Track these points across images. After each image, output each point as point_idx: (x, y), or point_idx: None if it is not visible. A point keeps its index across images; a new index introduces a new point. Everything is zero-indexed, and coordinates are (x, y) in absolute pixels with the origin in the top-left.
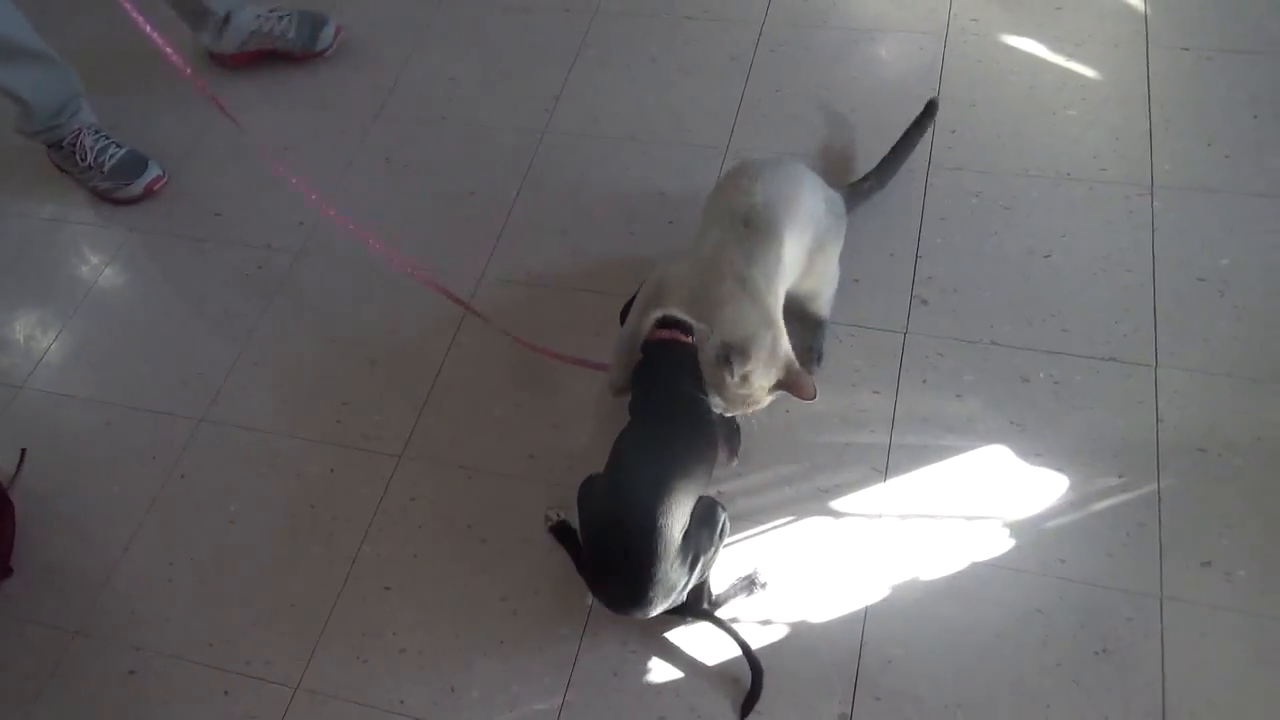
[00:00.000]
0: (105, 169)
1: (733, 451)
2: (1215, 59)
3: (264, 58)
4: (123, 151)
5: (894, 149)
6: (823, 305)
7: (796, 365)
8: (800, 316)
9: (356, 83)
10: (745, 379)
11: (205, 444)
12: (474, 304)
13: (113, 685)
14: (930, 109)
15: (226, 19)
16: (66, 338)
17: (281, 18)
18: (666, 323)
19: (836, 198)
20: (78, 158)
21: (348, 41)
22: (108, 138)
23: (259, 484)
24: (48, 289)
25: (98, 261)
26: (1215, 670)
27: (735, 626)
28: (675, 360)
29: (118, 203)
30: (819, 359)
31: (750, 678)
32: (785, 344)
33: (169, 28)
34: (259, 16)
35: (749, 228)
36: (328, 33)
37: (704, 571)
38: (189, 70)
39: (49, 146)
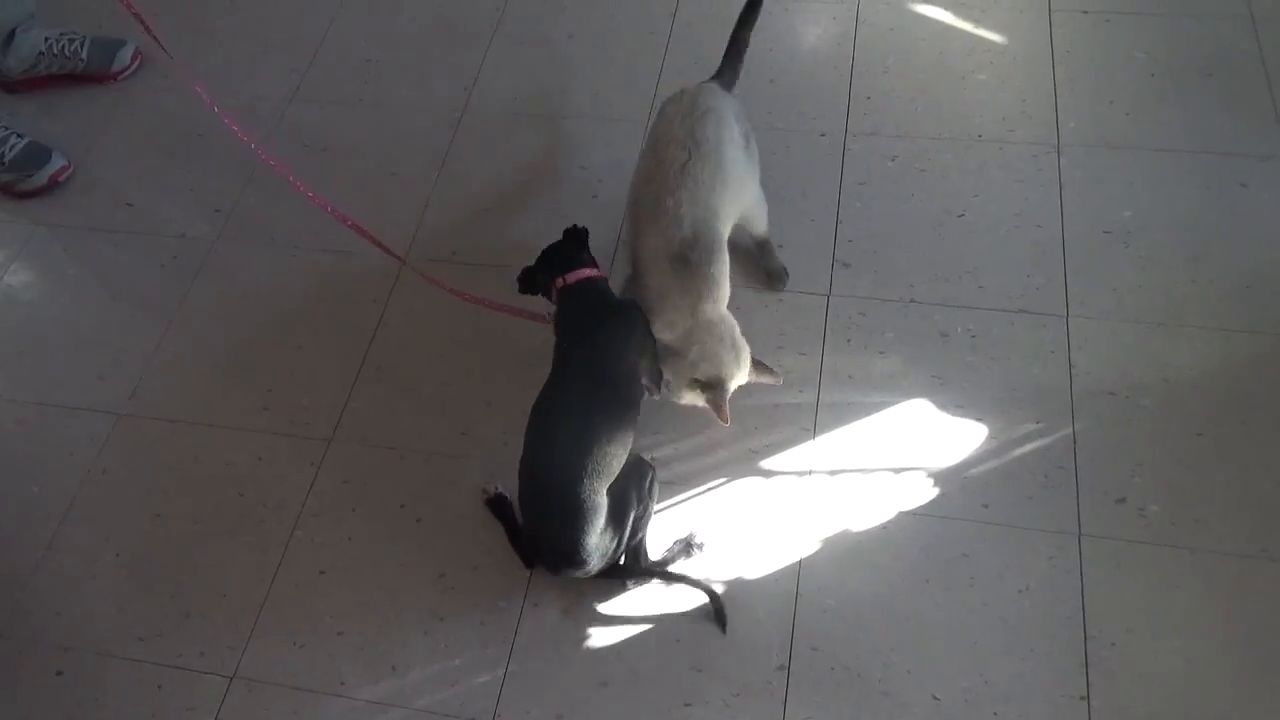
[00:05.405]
0: (6, 160)
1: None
2: (1114, 20)
3: (56, 82)
4: (24, 142)
5: (737, 29)
6: (761, 225)
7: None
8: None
9: (269, 65)
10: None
11: (126, 438)
12: (401, 282)
13: (41, 686)
14: None
15: (10, 36)
16: None
17: (73, 40)
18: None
19: (748, 130)
20: None
21: (263, 18)
22: (7, 128)
23: (184, 476)
24: None
25: (3, 257)
26: (1132, 600)
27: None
28: (602, 308)
29: (21, 196)
30: (785, 274)
31: (711, 606)
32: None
33: None
34: (48, 39)
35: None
36: (124, 54)
37: (639, 527)
38: None
39: None
